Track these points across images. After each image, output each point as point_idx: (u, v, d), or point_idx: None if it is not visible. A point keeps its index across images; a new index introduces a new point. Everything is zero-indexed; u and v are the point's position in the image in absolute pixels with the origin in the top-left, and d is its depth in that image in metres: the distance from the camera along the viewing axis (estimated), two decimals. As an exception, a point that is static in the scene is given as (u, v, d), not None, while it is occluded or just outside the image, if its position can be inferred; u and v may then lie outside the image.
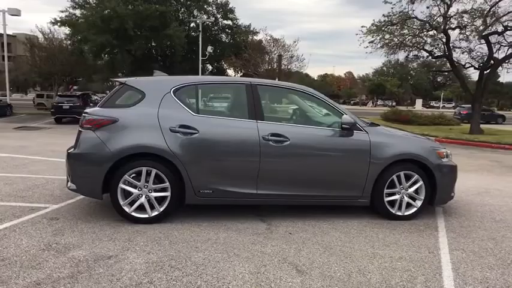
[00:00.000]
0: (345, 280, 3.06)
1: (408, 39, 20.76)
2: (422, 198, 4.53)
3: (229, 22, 31.41)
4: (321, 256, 3.48)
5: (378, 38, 21.14)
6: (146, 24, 24.42)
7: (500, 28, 17.33)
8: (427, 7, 19.32)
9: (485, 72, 19.01)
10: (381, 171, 4.37)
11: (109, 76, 39.35)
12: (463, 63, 21.00)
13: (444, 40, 19.28)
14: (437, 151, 4.60)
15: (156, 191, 4.07)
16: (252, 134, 4.14)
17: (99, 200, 4.26)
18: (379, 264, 3.36)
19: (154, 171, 4.01)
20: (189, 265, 3.20)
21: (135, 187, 4.03)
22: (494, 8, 16.85)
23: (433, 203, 4.62)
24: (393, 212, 4.49)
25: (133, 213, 4.05)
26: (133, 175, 4.01)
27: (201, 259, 3.31)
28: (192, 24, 31.70)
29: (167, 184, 4.04)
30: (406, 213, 4.52)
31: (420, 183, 4.49)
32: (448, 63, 22.23)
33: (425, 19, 19.06)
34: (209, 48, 29.05)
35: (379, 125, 4.80)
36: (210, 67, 35.40)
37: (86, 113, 4.14)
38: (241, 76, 33.96)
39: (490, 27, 17.07)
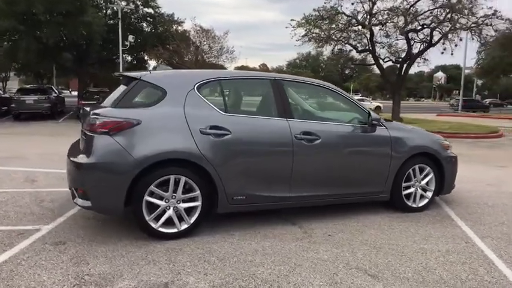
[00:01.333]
0: (420, 280, 3.02)
1: (333, 33, 21.77)
2: (433, 189, 4.72)
3: (151, 10, 29.72)
4: (378, 257, 3.41)
5: (305, 31, 21.85)
6: (58, 8, 21.89)
7: (415, 25, 19.09)
8: (352, 3, 20.41)
9: (404, 65, 20.81)
10: (401, 165, 4.44)
11: (6, 65, 34.66)
12: (383, 57, 22.72)
13: (368, 36, 20.62)
14: (443, 144, 4.83)
15: (184, 201, 3.61)
16: (285, 133, 3.89)
17: (108, 216, 3.66)
18: (435, 259, 3.40)
19: (183, 179, 3.54)
20: (260, 283, 2.88)
21: (161, 198, 3.53)
22: (413, 7, 18.48)
23: (440, 194, 4.85)
24: (409, 204, 4.61)
25: (160, 229, 3.55)
26: (159, 185, 3.50)
27: (267, 274, 3.01)
28: (109, 11, 29.37)
29: (198, 193, 3.61)
30: (419, 205, 4.67)
31: (431, 175, 4.67)
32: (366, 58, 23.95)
33: (352, 15, 20.16)
34: (130, 38, 27.22)
35: (392, 121, 4.87)
36: (129, 58, 33.33)
37: (97, 114, 3.48)
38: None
39: (409, 25, 18.68)
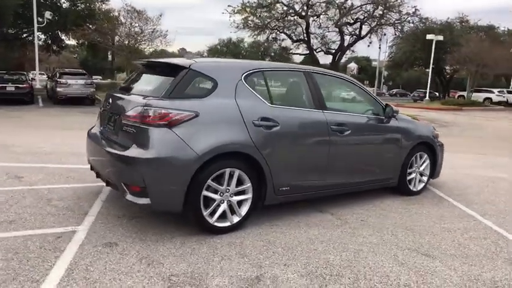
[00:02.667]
0: (465, 255, 3.44)
1: (269, 22, 22.19)
2: (428, 174, 5.28)
3: (68, -15, 27.15)
4: (417, 238, 3.77)
5: (242, 18, 21.93)
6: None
7: (348, 19, 20.37)
8: (288, -6, 20.99)
9: (337, 56, 22.09)
10: (408, 153, 4.88)
11: None
12: (315, 48, 23.82)
13: (304, 26, 21.44)
14: (435, 133, 5.39)
15: (236, 194, 3.58)
16: (323, 125, 4.04)
17: (162, 213, 3.47)
18: (461, 236, 3.87)
19: (237, 172, 3.51)
20: (341, 269, 3.03)
21: (216, 192, 3.45)
22: (347, 1, 19.65)
23: (432, 178, 5.43)
24: (411, 188, 5.10)
25: (215, 223, 3.48)
26: (214, 179, 3.42)
27: (339, 261, 3.17)
28: (20, -18, 26.12)
29: (249, 185, 3.61)
30: (418, 189, 5.20)
31: (428, 161, 5.22)
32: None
33: (290, 5, 20.73)
34: (47, 14, 24.63)
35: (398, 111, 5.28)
36: (42, 36, 30.18)
37: (149, 105, 3.25)
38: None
39: (343, 18, 19.83)
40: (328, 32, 22.60)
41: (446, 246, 3.61)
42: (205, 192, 3.37)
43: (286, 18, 21.80)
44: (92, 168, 4.12)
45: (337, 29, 20.99)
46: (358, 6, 19.68)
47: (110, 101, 3.82)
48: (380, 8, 19.31)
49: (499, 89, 36.45)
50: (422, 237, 3.79)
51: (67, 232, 3.38)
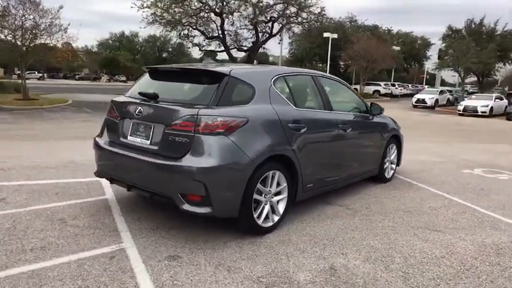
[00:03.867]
0: (468, 227, 4.15)
1: (180, 18, 21.85)
2: (396, 162, 6.05)
3: None
4: (417, 218, 4.41)
5: (151, 12, 21.23)
6: None
7: (263, 17, 21.12)
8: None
9: (251, 53, 22.71)
10: (385, 145, 5.56)
11: None
12: (228, 45, 24.14)
13: (219, 23, 21.59)
14: (398, 125, 6.19)
15: (275, 194, 3.77)
16: (334, 124, 4.43)
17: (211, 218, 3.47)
18: (447, 212, 4.63)
19: (277, 174, 3.70)
20: (394, 253, 3.45)
21: (261, 194, 3.60)
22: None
23: (398, 165, 6.22)
24: (386, 176, 5.81)
25: (262, 224, 3.63)
26: (261, 182, 3.57)
27: (380, 245, 3.60)
28: None
29: (285, 185, 3.83)
30: (390, 176, 5.94)
31: (396, 151, 5.99)
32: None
33: (204, 1, 20.64)
34: None
35: None
36: None
37: (205, 114, 3.25)
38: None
39: (259, 16, 20.49)
40: (241, 29, 23.12)
41: (444, 222, 4.31)
42: (255, 195, 3.49)
43: (199, 14, 21.70)
44: (111, 180, 3.90)
45: (251, 27, 21.62)
46: (271, 5, 20.56)
47: (136, 110, 3.65)
48: (293, 8, 20.46)
49: (384, 82, 41.37)
50: (421, 216, 4.44)
51: (115, 251, 3.20)
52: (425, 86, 45.25)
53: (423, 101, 28.06)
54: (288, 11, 20.86)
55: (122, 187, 3.87)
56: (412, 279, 3.00)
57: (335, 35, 35.48)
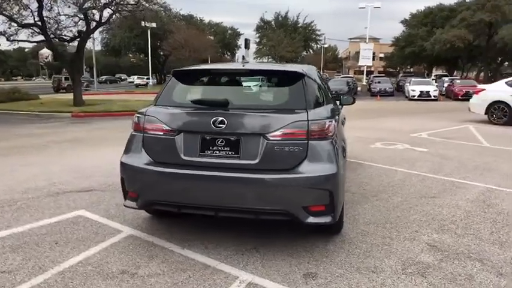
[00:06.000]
0: (473, 198, 5.04)
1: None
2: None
3: None
4: (418, 191, 5.09)
5: None
6: None
7: (93, 4, 18.54)
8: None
9: (82, 43, 19.80)
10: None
11: None
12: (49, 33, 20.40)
13: (35, 7, 17.94)
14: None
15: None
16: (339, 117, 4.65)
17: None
18: (441, 185, 5.49)
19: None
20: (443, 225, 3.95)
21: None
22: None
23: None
24: (345, 158, 6.38)
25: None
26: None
27: (432, 218, 4.07)
28: None
29: None
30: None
31: (345, 134, 6.62)
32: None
33: (15, -17, 16.76)
34: None
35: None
36: None
37: (313, 119, 2.99)
38: None
39: (88, 2, 17.91)
40: (65, 16, 19.78)
41: (442, 189, 5.06)
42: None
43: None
44: (178, 209, 3.09)
45: (79, 14, 18.79)
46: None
47: (214, 122, 2.98)
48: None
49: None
50: (418, 192, 5.00)
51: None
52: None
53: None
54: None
55: (189, 212, 3.14)
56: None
57: (154, 24, 34.56)
